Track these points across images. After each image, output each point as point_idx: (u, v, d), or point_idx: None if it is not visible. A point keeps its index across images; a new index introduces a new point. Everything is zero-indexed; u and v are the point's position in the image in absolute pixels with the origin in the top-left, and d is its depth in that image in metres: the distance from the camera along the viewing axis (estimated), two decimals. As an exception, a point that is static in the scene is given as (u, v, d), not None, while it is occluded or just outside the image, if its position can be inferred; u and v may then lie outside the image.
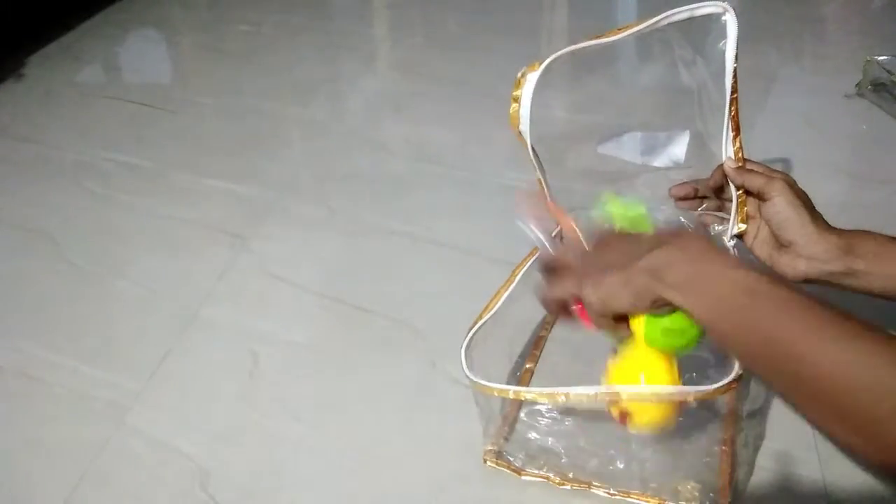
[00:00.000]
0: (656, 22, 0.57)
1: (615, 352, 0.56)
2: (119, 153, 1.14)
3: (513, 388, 0.57)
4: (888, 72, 1.14)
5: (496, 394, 0.58)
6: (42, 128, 1.22)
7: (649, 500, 0.63)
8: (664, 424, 0.55)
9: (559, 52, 0.59)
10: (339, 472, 0.67)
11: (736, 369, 0.52)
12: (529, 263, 0.67)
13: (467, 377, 0.58)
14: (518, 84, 0.60)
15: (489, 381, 0.58)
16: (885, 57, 1.16)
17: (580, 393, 0.53)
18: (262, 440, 0.70)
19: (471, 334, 0.60)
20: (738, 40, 0.56)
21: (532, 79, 0.59)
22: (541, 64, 0.59)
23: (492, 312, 0.62)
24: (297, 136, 1.19)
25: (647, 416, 0.54)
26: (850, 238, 0.58)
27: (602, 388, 0.52)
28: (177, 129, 1.21)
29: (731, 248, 0.65)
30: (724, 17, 0.56)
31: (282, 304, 0.85)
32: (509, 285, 0.65)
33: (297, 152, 1.15)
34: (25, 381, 0.77)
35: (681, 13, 0.57)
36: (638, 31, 0.58)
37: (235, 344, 0.80)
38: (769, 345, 0.43)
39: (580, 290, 0.53)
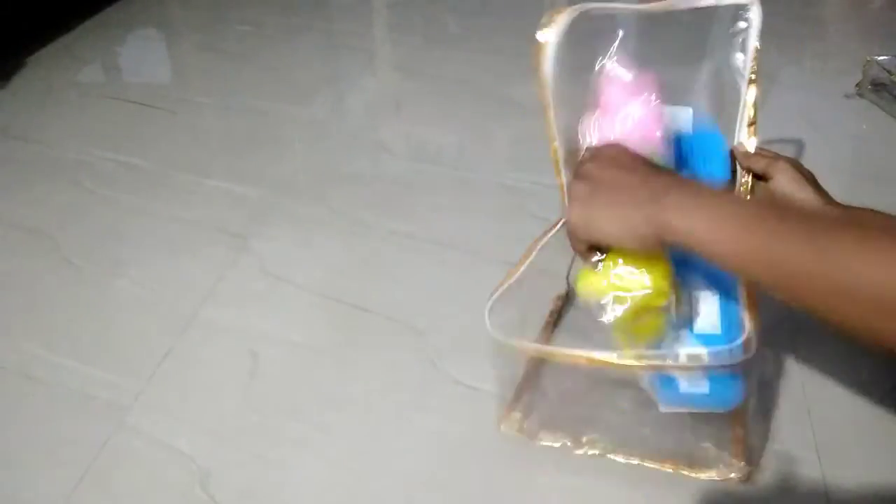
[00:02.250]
0: (684, 4, 0.58)
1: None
2: (119, 153, 1.14)
3: (536, 345, 0.56)
4: (888, 72, 1.14)
5: (518, 349, 0.57)
6: (42, 128, 1.22)
7: (664, 464, 0.63)
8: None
9: (590, 4, 0.58)
10: (339, 472, 0.67)
11: (747, 331, 0.53)
12: (542, 245, 0.67)
13: (492, 336, 0.57)
14: (545, 26, 0.58)
15: (503, 367, 0.58)
16: (885, 57, 1.16)
17: (604, 358, 0.53)
18: (262, 440, 0.70)
19: (495, 295, 0.60)
20: (752, 33, 0.57)
21: (563, 21, 0.57)
22: (570, 8, 0.58)
23: (516, 276, 0.62)
24: (297, 136, 1.19)
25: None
26: (855, 212, 0.59)
27: (625, 357, 0.52)
28: (177, 129, 1.21)
29: None
30: (749, 11, 0.57)
31: (282, 304, 0.85)
32: (531, 253, 0.64)
33: (297, 152, 1.15)
34: (25, 381, 0.77)
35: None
36: (670, 7, 0.59)
37: (235, 344, 0.80)
38: (794, 262, 0.41)
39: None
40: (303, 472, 0.67)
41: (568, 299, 0.81)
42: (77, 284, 0.89)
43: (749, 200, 0.48)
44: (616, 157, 0.53)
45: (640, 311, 0.53)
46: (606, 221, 0.49)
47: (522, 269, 0.63)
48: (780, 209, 0.45)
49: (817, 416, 0.69)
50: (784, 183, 0.60)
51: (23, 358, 0.79)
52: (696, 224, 0.45)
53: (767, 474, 0.64)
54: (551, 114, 0.62)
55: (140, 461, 0.68)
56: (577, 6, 0.58)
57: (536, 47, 0.58)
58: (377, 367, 0.77)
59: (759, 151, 0.64)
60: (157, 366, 0.78)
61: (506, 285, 0.62)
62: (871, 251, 0.39)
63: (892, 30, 1.41)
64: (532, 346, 0.57)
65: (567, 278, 0.80)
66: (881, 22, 1.48)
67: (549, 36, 0.57)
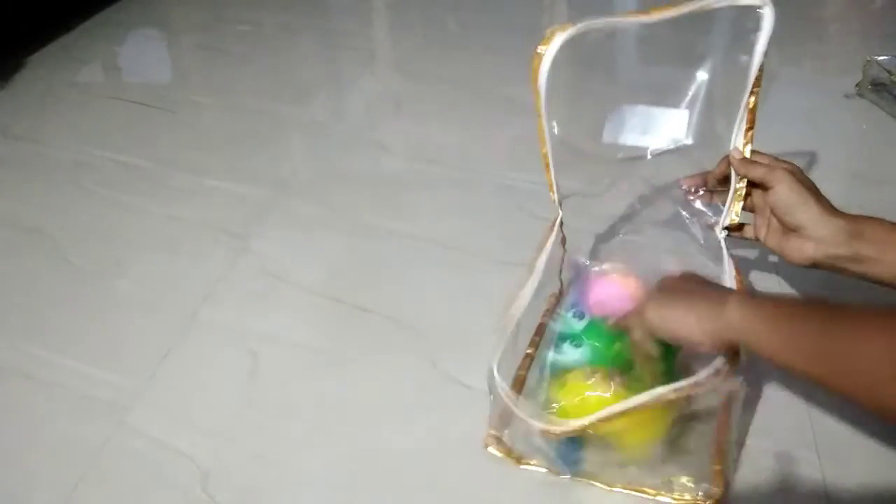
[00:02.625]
0: (699, 7, 0.58)
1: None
2: (119, 153, 1.14)
3: (550, 426, 0.56)
4: (888, 72, 1.14)
5: (533, 424, 0.57)
6: (42, 128, 1.22)
7: (646, 491, 0.63)
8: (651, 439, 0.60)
9: (594, 22, 0.60)
10: (339, 472, 0.67)
11: (715, 364, 0.55)
12: (542, 261, 0.67)
13: (506, 397, 0.58)
14: (546, 40, 0.60)
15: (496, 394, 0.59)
16: (885, 57, 1.16)
17: (601, 417, 0.54)
18: (262, 440, 0.70)
19: (499, 353, 0.61)
20: (762, 37, 0.58)
21: (559, 39, 0.59)
22: (573, 25, 0.59)
23: (513, 325, 0.63)
24: (297, 136, 1.19)
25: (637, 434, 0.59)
26: (858, 223, 0.58)
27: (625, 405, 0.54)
28: (177, 129, 1.21)
29: (722, 241, 0.66)
30: (761, 10, 0.57)
31: (282, 304, 0.85)
32: (525, 292, 0.65)
33: (297, 152, 1.15)
34: (25, 381, 0.77)
35: (721, 1, 0.59)
36: (679, 14, 0.59)
37: (235, 344, 0.80)
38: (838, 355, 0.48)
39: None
40: (303, 472, 0.67)
41: (561, 297, 0.81)
42: (77, 284, 0.89)
43: (798, 303, 0.57)
44: (687, 276, 0.62)
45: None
46: (680, 317, 0.58)
47: (522, 308, 0.64)
48: (826, 312, 0.51)
49: (817, 416, 0.69)
50: (784, 194, 0.59)
51: (23, 358, 0.79)
52: (755, 326, 0.53)
53: (767, 474, 0.64)
54: (543, 122, 0.64)
55: (140, 461, 0.68)
56: (579, 25, 0.60)
57: (534, 59, 0.60)
58: (377, 367, 0.77)
59: (757, 158, 0.63)
60: (157, 366, 0.78)
61: (509, 331, 0.63)
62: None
63: (892, 30, 1.41)
64: (548, 428, 0.57)
65: (560, 276, 0.80)
66: (881, 22, 1.48)
67: (548, 50, 0.60)
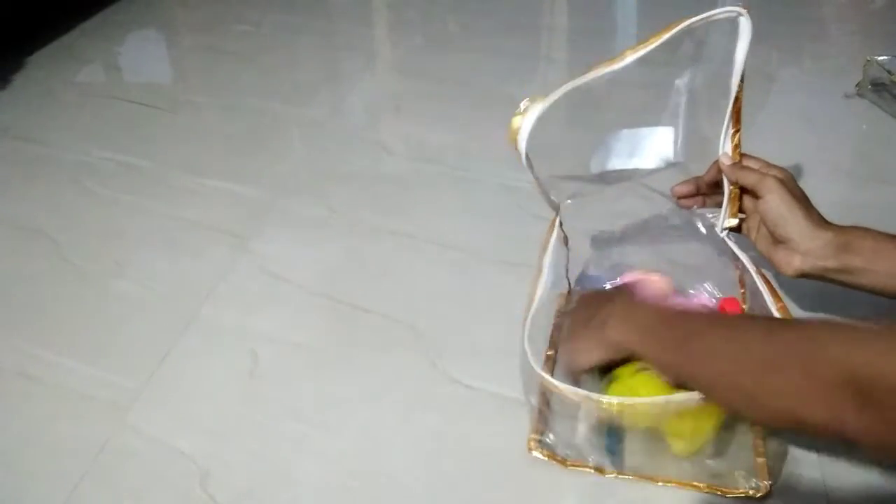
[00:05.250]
0: (676, 31, 0.59)
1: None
2: (119, 153, 1.14)
3: (592, 394, 0.56)
4: (888, 72, 1.14)
5: (573, 399, 0.57)
6: (42, 128, 1.22)
7: (694, 486, 0.62)
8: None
9: (568, 85, 0.61)
10: (339, 472, 0.67)
11: None
12: (548, 260, 0.68)
13: (543, 378, 0.59)
14: (522, 112, 0.62)
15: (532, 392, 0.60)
16: (885, 57, 1.16)
17: (654, 402, 0.55)
18: (262, 440, 0.70)
19: (527, 324, 0.62)
20: (750, 41, 0.58)
21: (535, 111, 0.61)
22: (545, 98, 0.61)
23: (538, 297, 0.65)
24: (297, 136, 1.19)
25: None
26: (846, 235, 0.58)
27: (678, 397, 0.54)
28: (177, 129, 1.21)
29: (726, 240, 0.66)
30: (739, 19, 0.57)
31: (282, 304, 0.85)
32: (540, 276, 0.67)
33: (297, 152, 1.15)
34: (25, 381, 0.77)
35: (699, 20, 0.59)
36: (658, 44, 0.59)
37: (235, 344, 0.80)
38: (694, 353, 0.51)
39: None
40: (303, 472, 0.67)
41: (570, 296, 0.81)
42: (77, 284, 0.89)
43: (664, 315, 0.56)
44: (584, 300, 0.65)
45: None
46: (577, 352, 0.60)
47: (541, 289, 0.64)
48: (685, 325, 0.54)
49: (817, 416, 0.69)
50: (773, 204, 0.59)
51: (23, 358, 0.79)
52: (631, 338, 0.56)
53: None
54: (533, 169, 0.67)
55: (140, 461, 0.68)
56: (553, 96, 0.61)
57: (510, 131, 0.63)
58: (377, 367, 0.77)
59: (748, 162, 0.63)
60: (157, 366, 0.78)
61: (533, 309, 0.64)
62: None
63: (892, 30, 1.41)
64: (591, 396, 0.56)
65: (566, 276, 0.80)
66: (881, 22, 1.48)
67: (524, 122, 0.62)
